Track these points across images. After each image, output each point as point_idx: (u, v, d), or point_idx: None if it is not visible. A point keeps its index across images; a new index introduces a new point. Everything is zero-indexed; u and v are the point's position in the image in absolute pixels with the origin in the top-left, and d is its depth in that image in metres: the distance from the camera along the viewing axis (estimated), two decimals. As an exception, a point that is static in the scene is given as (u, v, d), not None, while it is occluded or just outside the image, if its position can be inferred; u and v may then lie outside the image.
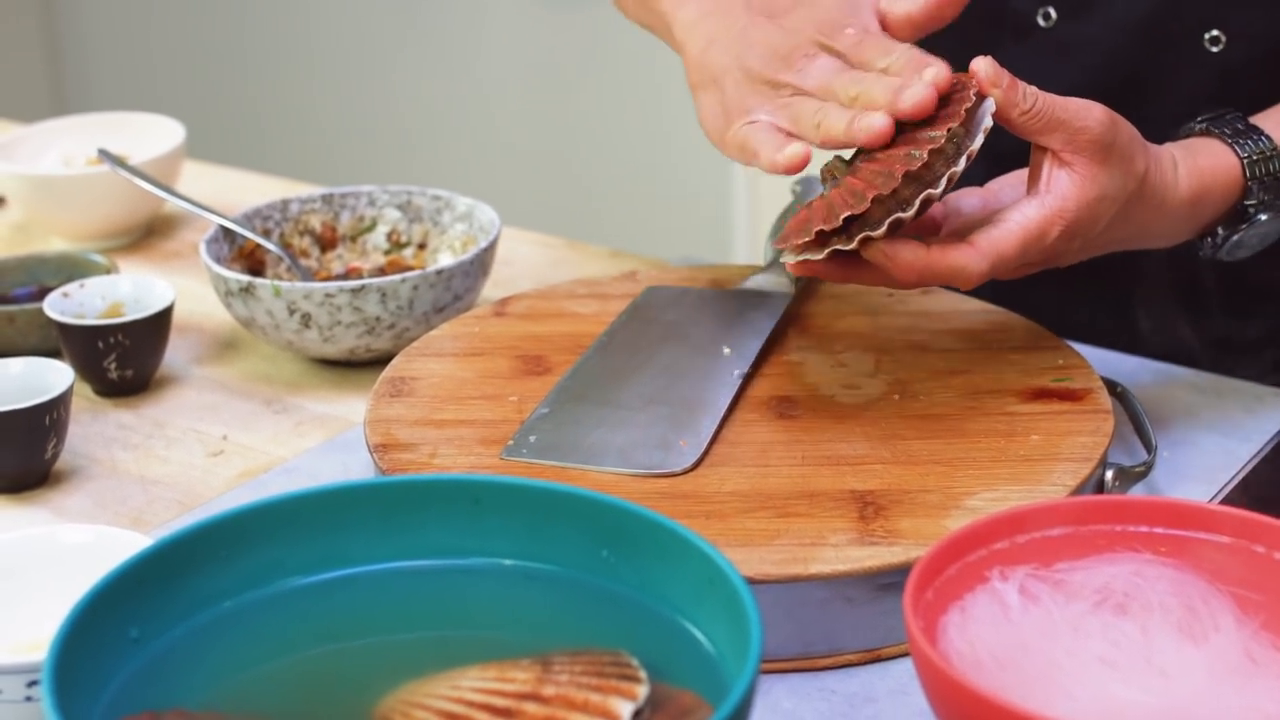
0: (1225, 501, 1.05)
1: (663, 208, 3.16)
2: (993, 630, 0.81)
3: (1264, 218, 1.05)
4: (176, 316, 1.30)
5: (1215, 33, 1.18)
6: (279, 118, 3.61)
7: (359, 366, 1.26)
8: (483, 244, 1.25)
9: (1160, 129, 1.21)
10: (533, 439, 1.02)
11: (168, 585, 0.80)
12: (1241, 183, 1.05)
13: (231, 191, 1.60)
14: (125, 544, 0.92)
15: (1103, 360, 1.18)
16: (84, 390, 1.23)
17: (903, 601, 0.79)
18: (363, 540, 0.84)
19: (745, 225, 2.98)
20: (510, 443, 1.02)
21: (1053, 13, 1.24)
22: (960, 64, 1.01)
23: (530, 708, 0.75)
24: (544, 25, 3.24)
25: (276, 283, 1.20)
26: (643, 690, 0.75)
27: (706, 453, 1.00)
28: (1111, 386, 1.09)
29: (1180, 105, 1.20)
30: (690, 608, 0.79)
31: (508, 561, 0.84)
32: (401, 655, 0.81)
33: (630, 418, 1.04)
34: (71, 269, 1.34)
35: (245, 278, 1.21)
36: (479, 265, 1.24)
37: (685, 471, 0.99)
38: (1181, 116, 1.12)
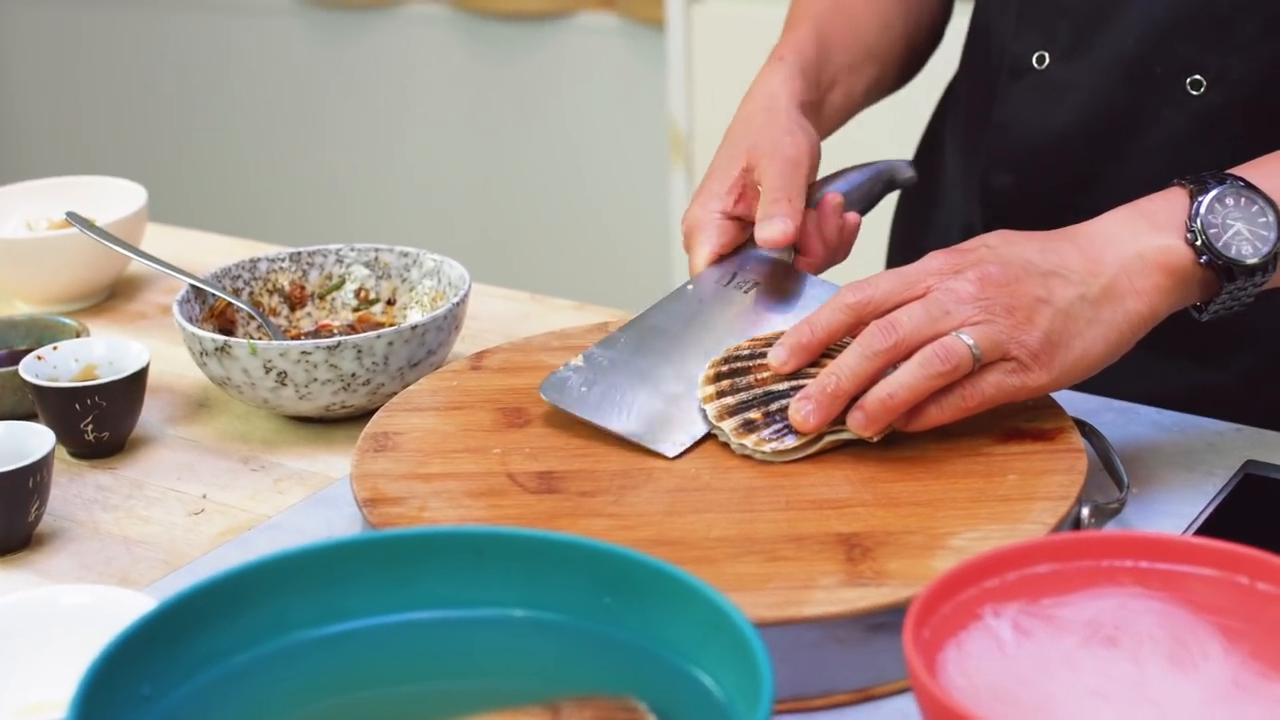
0: (1196, 534, 1.07)
1: (606, 258, 3.18)
2: (989, 665, 0.83)
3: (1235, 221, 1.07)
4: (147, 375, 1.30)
5: (1196, 77, 1.23)
6: (212, 184, 3.61)
7: (333, 423, 1.27)
8: (454, 299, 1.27)
9: (1144, 167, 1.25)
10: (568, 384, 1.12)
11: (177, 642, 0.81)
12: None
13: (193, 252, 1.61)
14: (124, 604, 0.93)
15: (1066, 400, 1.20)
16: (60, 453, 1.24)
17: (903, 639, 0.81)
18: (365, 593, 0.86)
19: (683, 272, 3.01)
20: (550, 380, 1.12)
21: (1046, 56, 1.29)
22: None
23: (544, 754, 0.76)
24: (471, 87, 3.26)
25: (253, 342, 1.21)
26: (652, 734, 0.77)
27: (687, 495, 1.03)
28: (1080, 425, 1.12)
29: (1163, 145, 1.24)
30: (696, 653, 0.81)
31: (511, 611, 0.86)
32: (409, 707, 0.83)
33: (647, 398, 1.11)
34: (41, 332, 1.35)
35: (221, 337, 1.22)
36: (452, 320, 1.26)
37: (669, 458, 1.08)
38: (1165, 157, 1.16)
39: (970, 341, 1.03)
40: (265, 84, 3.50)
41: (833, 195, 1.25)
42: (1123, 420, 1.21)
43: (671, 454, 1.08)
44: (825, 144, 1.31)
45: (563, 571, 0.85)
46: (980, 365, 1.04)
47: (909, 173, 1.37)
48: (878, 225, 1.44)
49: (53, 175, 1.65)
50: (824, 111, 1.32)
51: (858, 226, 1.26)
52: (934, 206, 1.46)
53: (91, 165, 3.33)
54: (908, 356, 1.04)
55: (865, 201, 1.33)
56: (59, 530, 1.15)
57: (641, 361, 1.15)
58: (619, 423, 1.10)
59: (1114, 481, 1.09)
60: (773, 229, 1.17)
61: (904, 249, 1.51)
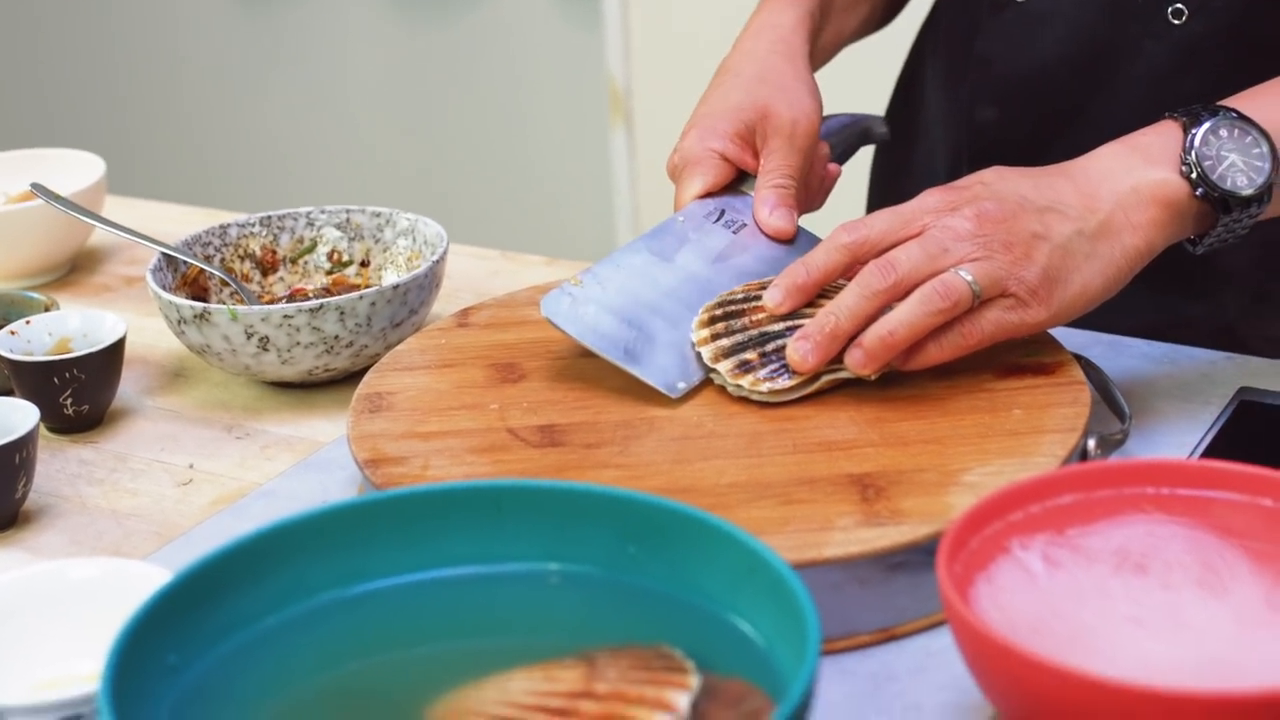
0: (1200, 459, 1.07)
1: (549, 217, 3.16)
2: (1022, 598, 0.82)
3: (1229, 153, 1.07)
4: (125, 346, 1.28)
5: (1178, 6, 1.22)
6: (169, 154, 3.56)
7: (314, 388, 1.25)
8: (434, 257, 1.25)
9: (1128, 97, 1.25)
10: (569, 305, 1.10)
11: (199, 610, 0.80)
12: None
13: (153, 222, 1.58)
14: (132, 575, 0.91)
15: (1054, 335, 1.20)
16: (40, 428, 1.21)
17: (937, 574, 0.80)
18: (386, 553, 0.84)
19: (628, 222, 2.99)
20: (549, 299, 1.10)
21: None
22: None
23: (586, 705, 0.75)
24: (406, 53, 3.23)
25: (233, 308, 1.18)
26: (694, 680, 0.76)
27: (694, 442, 1.03)
28: (1076, 359, 1.11)
29: (1145, 75, 1.24)
30: (729, 598, 0.80)
31: (534, 565, 0.85)
32: (440, 665, 0.81)
33: (644, 325, 1.10)
34: (7, 308, 1.32)
35: (200, 304, 1.20)
36: (432, 278, 1.24)
37: (676, 400, 1.07)
38: (1147, 88, 1.15)
39: (969, 278, 1.02)
40: (207, 53, 3.45)
41: (833, 168, 1.25)
42: (1113, 353, 1.21)
43: (675, 395, 1.07)
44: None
45: (585, 522, 0.84)
46: (979, 302, 1.03)
47: (883, 129, 1.37)
48: (856, 169, 1.43)
49: (3, 149, 1.61)
50: (813, 52, 1.31)
51: (836, 177, 1.26)
52: (915, 144, 1.45)
53: (41, 138, 3.29)
54: (906, 295, 1.03)
55: (841, 152, 1.32)
56: (46, 506, 1.13)
57: (639, 290, 1.13)
58: (618, 352, 1.09)
59: (1114, 413, 1.09)
60: (778, 220, 1.18)
61: (885, 189, 1.50)
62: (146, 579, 0.90)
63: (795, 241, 1.19)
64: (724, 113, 1.20)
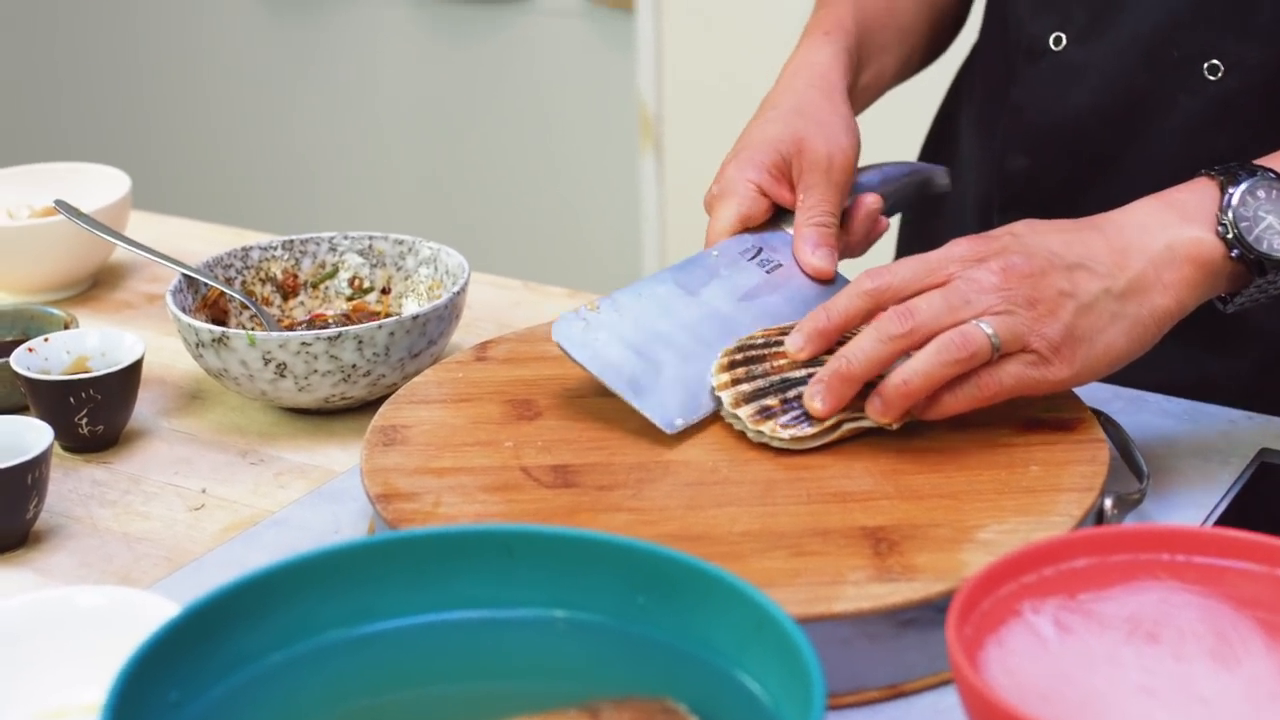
0: (1216, 524, 1.07)
1: (575, 242, 3.16)
2: (1032, 663, 0.82)
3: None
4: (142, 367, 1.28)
5: (1214, 62, 1.22)
6: (195, 169, 3.57)
7: (331, 415, 1.25)
8: (454, 288, 1.25)
9: (1160, 152, 1.24)
10: (581, 330, 1.10)
11: (204, 646, 0.79)
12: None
13: (177, 239, 1.58)
14: (140, 606, 0.90)
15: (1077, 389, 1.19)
16: (54, 447, 1.21)
17: (947, 638, 0.79)
18: (395, 594, 0.84)
19: (655, 249, 2.99)
20: (561, 322, 1.10)
21: (1063, 37, 1.28)
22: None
23: (588, 757, 0.74)
24: (437, 70, 3.23)
25: (252, 333, 1.18)
26: (697, 735, 0.76)
27: (705, 488, 1.02)
28: (1096, 415, 1.10)
29: (1179, 130, 1.23)
30: (737, 654, 0.79)
31: (543, 611, 0.84)
32: (444, 709, 0.81)
33: (656, 359, 1.10)
34: (27, 323, 1.32)
35: (218, 329, 1.20)
36: (452, 310, 1.24)
37: (673, 436, 1.07)
38: (1181, 142, 1.14)
39: (989, 330, 1.01)
40: (235, 68, 3.46)
41: (873, 199, 1.24)
42: (1133, 408, 1.20)
43: (670, 430, 1.07)
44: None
45: (595, 571, 0.83)
46: (999, 355, 1.02)
47: (945, 180, 1.35)
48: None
49: (30, 162, 1.62)
50: (853, 94, 1.31)
51: (877, 210, 1.25)
52: (947, 192, 1.45)
53: (67, 152, 3.30)
54: (925, 344, 1.03)
55: (895, 202, 1.31)
56: (57, 527, 1.12)
57: (656, 322, 1.13)
58: (621, 384, 1.08)
59: (1133, 472, 1.08)
60: (819, 260, 1.17)
61: (916, 232, 1.49)
62: (154, 610, 0.89)
63: (830, 285, 1.18)
64: (760, 144, 1.20)
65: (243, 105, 3.48)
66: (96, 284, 1.50)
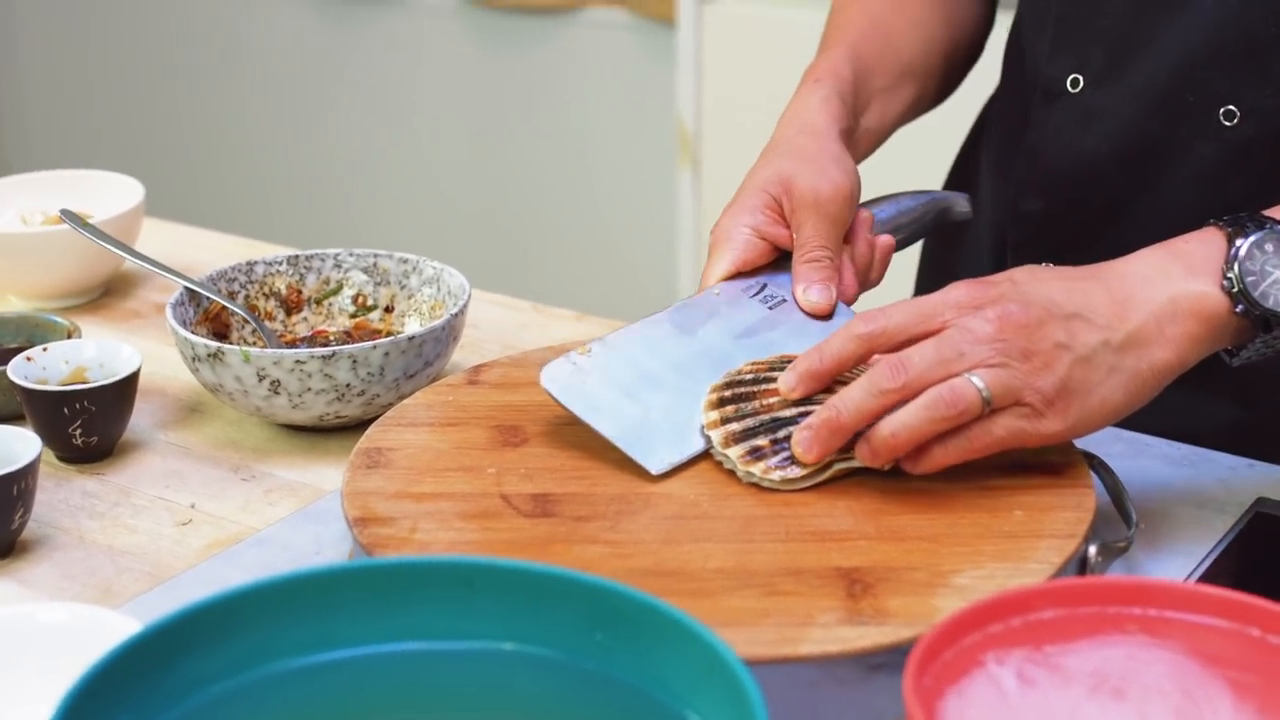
0: (1205, 574, 1.05)
1: (610, 259, 3.15)
2: (990, 716, 0.81)
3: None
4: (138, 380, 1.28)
5: (1230, 108, 1.20)
6: (213, 176, 3.59)
7: (327, 433, 1.25)
8: (454, 309, 1.24)
9: (1175, 197, 1.22)
10: (570, 374, 1.10)
11: (156, 670, 0.79)
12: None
13: (189, 249, 1.58)
14: (102, 624, 0.90)
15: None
16: (47, 456, 1.21)
17: (904, 689, 0.78)
18: (352, 623, 0.83)
19: (691, 266, 2.98)
20: (550, 366, 1.10)
21: (1080, 79, 1.27)
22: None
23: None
24: (478, 80, 3.24)
25: (246, 349, 1.18)
26: (644, 779, 0.75)
27: (684, 519, 1.01)
28: (1089, 459, 1.09)
29: (1194, 176, 1.22)
30: (688, 694, 0.79)
31: (500, 644, 0.83)
32: (395, 741, 0.80)
33: (647, 400, 1.09)
34: (32, 330, 1.33)
35: (214, 344, 1.20)
36: (450, 331, 1.24)
37: (656, 478, 1.06)
38: (1195, 188, 1.12)
39: (980, 385, 1.00)
40: (271, 74, 3.47)
41: (886, 239, 1.23)
42: (1132, 452, 1.18)
43: (656, 470, 1.06)
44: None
45: (554, 605, 0.83)
46: (991, 409, 1.01)
47: (965, 207, 1.33)
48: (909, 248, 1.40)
49: (59, 168, 1.62)
50: (857, 137, 1.30)
51: (890, 249, 1.24)
52: (966, 228, 1.43)
53: (97, 157, 3.32)
54: (916, 395, 1.01)
55: (914, 231, 1.30)
56: (43, 538, 1.13)
57: (649, 362, 1.12)
58: (607, 425, 1.08)
59: (1122, 518, 1.06)
60: (814, 296, 1.16)
61: (935, 271, 1.48)
62: (116, 628, 0.89)
63: (833, 318, 1.17)
64: (750, 189, 1.19)
65: (279, 111, 3.49)
66: (108, 292, 1.51)
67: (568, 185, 3.20)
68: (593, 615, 0.82)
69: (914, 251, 1.51)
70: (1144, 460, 1.17)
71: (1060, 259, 1.09)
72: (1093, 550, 1.00)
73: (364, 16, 3.32)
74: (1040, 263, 1.30)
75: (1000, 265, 1.35)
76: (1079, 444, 1.10)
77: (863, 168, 1.32)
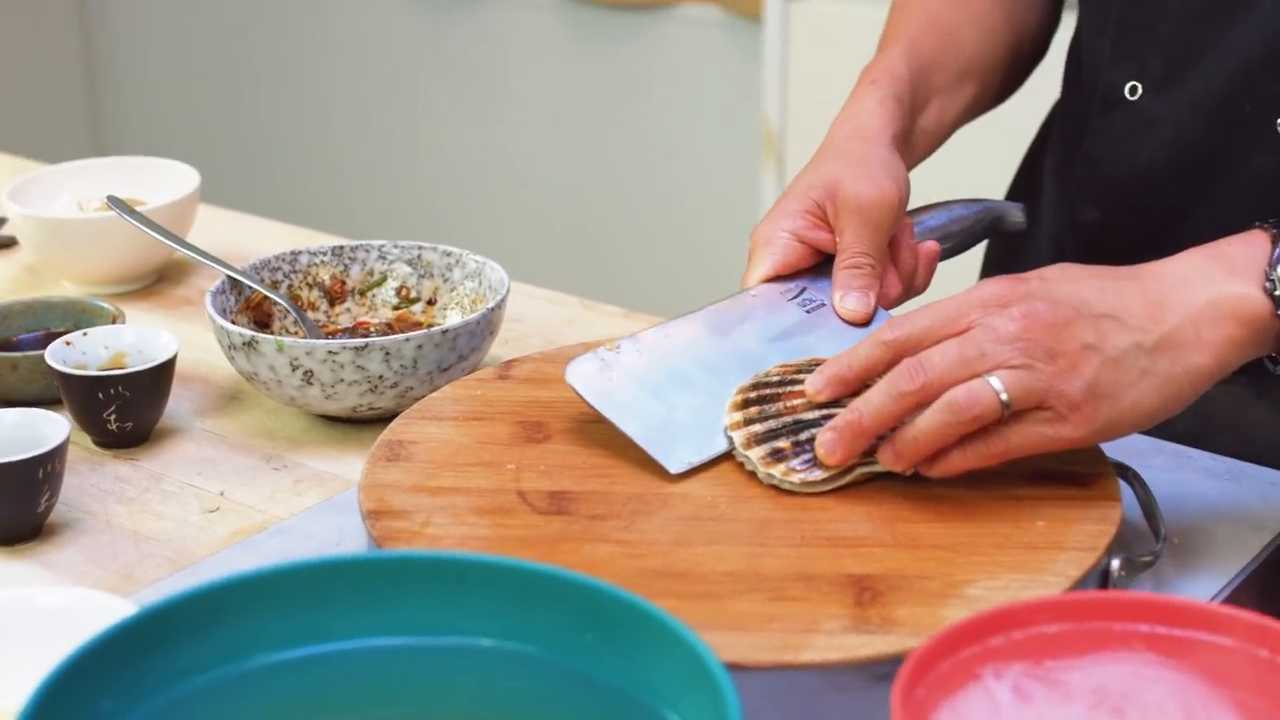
0: (1234, 593, 1.03)
1: (679, 269, 3.14)
2: (983, 731, 0.79)
3: None
4: (182, 365, 1.29)
5: None
6: (303, 165, 3.61)
7: (361, 424, 1.24)
8: (490, 304, 1.24)
9: (1232, 207, 1.20)
10: (596, 370, 1.09)
11: (144, 657, 0.79)
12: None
13: (245, 239, 1.59)
14: (105, 609, 0.90)
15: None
16: (84, 440, 1.22)
17: (891, 700, 0.77)
18: (343, 615, 0.83)
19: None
20: (577, 362, 1.09)
21: (1139, 87, 1.24)
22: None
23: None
24: (568, 74, 3.24)
25: (280, 338, 1.18)
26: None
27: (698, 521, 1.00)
28: (1122, 470, 1.07)
29: (1251, 185, 1.19)
30: (674, 698, 0.78)
31: (489, 642, 0.83)
32: (378, 736, 0.80)
33: (672, 400, 1.08)
34: (79, 315, 1.33)
35: (248, 332, 1.20)
36: (485, 325, 1.23)
37: (675, 478, 1.05)
38: (1252, 198, 1.10)
39: (999, 387, 0.98)
40: (365, 64, 3.49)
41: (931, 245, 1.21)
42: (1174, 464, 1.16)
43: (675, 470, 1.04)
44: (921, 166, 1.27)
45: (544, 604, 0.82)
46: (1011, 413, 0.99)
47: (1019, 218, 1.31)
48: (970, 255, 1.37)
49: (148, 153, 1.63)
50: (914, 138, 1.27)
51: (934, 256, 1.22)
52: (1028, 236, 1.41)
53: (192, 141, 3.35)
54: (938, 396, 0.99)
55: (964, 240, 1.28)
56: (71, 521, 1.13)
57: (678, 362, 1.11)
58: (630, 424, 1.07)
59: (1152, 532, 1.04)
60: (851, 304, 1.15)
61: (995, 268, 1.46)
62: (114, 613, 0.89)
63: (871, 324, 1.15)
64: (795, 194, 1.18)
65: (368, 103, 3.50)
66: (161, 279, 1.51)
67: (651, 181, 3.19)
68: (582, 615, 0.81)
69: (975, 258, 1.49)
70: (1184, 473, 1.15)
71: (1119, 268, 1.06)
72: (1115, 564, 0.98)
73: (459, 9, 3.33)
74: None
75: None
76: (1115, 454, 1.08)
77: (927, 173, 1.30)
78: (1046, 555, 0.96)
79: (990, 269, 1.50)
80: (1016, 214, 1.31)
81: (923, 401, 0.99)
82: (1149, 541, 1.04)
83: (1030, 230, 1.40)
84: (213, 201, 1.68)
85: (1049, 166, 1.41)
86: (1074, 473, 1.04)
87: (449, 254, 1.34)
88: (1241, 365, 1.03)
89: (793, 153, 2.83)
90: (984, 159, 1.74)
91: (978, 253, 1.46)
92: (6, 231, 1.55)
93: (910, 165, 1.27)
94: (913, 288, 1.21)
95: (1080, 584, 0.95)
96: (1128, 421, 1.00)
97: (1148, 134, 1.25)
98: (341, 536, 1.10)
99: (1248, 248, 1.03)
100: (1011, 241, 1.44)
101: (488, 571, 0.83)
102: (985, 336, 0.99)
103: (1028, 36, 1.39)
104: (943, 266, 1.29)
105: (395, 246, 1.35)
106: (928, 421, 0.98)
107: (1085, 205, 1.30)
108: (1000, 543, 0.98)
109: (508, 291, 1.26)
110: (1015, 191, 1.48)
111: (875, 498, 1.02)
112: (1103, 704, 0.80)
